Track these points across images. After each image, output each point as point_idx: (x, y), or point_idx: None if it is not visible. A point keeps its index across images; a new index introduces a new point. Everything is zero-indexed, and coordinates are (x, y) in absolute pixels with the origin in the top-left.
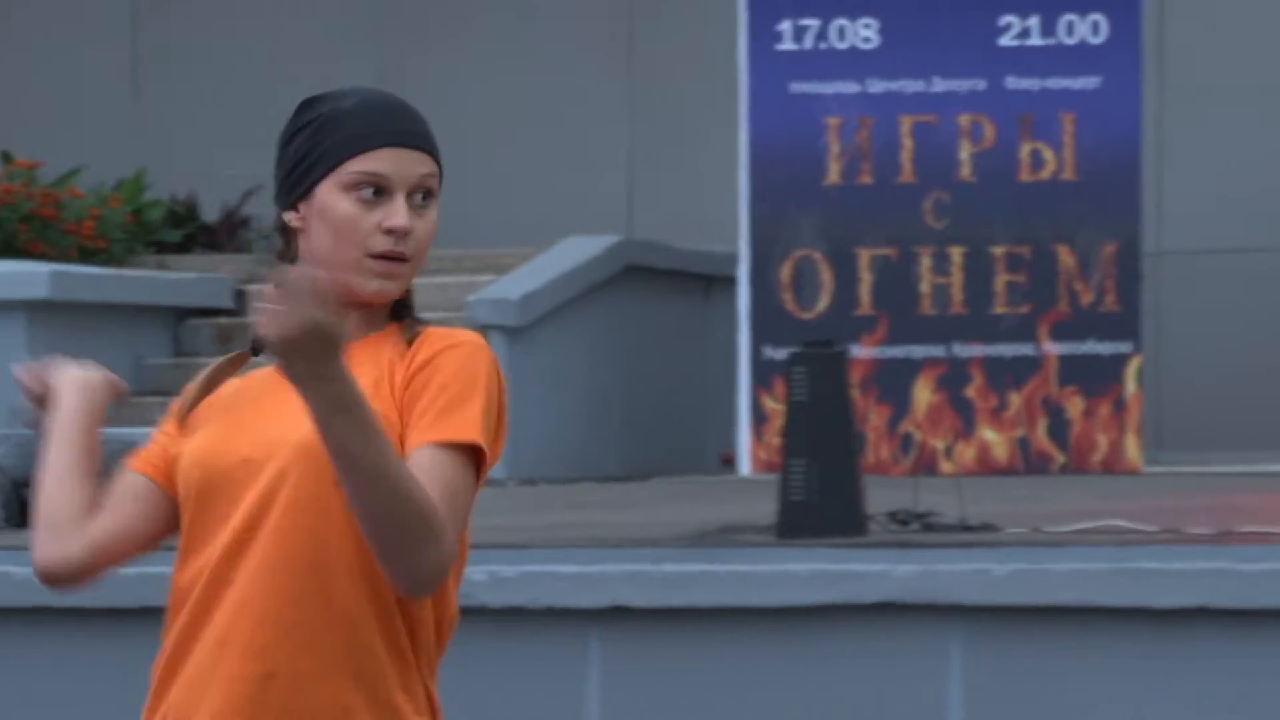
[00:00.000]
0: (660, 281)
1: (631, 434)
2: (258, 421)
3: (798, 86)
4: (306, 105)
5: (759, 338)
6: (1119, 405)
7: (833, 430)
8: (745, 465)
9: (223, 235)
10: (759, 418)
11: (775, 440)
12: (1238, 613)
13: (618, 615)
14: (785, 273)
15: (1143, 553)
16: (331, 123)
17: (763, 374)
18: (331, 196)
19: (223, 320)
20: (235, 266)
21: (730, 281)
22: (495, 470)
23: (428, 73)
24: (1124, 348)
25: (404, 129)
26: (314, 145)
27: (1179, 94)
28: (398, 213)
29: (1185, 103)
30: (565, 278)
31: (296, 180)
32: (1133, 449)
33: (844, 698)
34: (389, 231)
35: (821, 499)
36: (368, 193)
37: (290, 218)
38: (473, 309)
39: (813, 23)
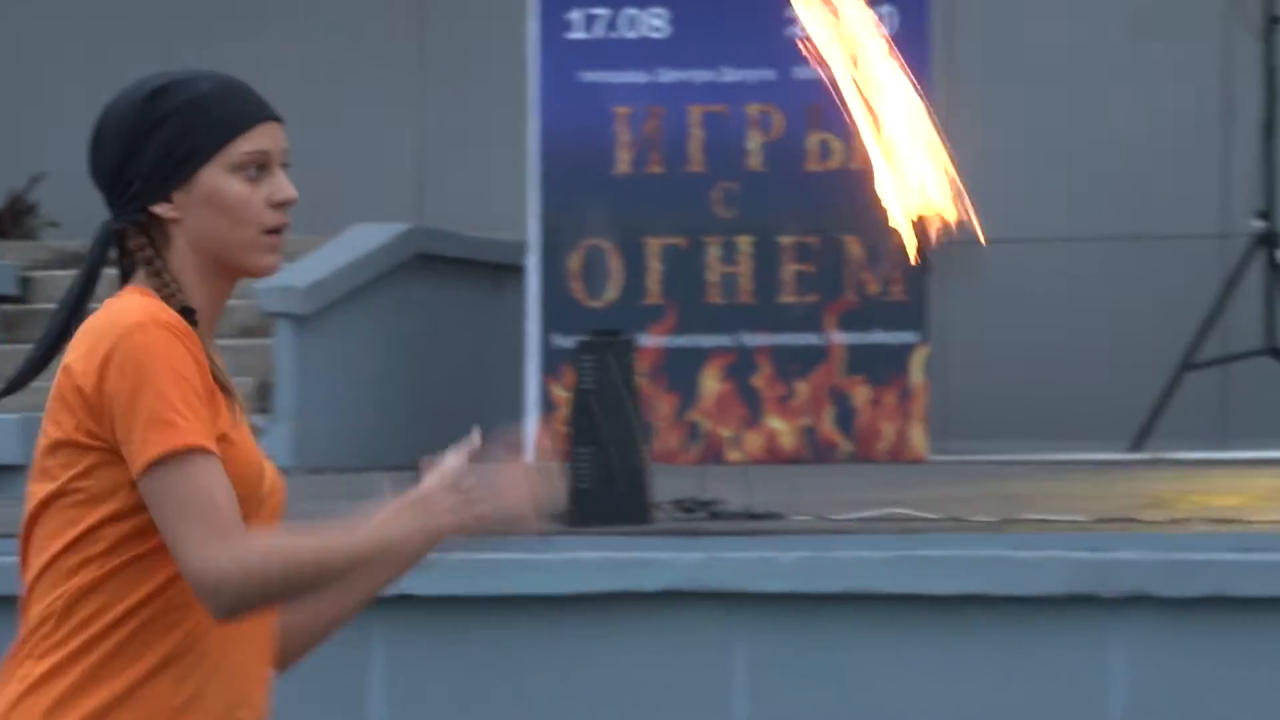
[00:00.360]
0: (450, 270)
1: (420, 422)
2: (251, 440)
3: (587, 76)
4: (156, 96)
5: (548, 326)
6: (905, 395)
7: (620, 419)
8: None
9: (8, 222)
10: (547, 406)
11: (563, 428)
12: (1017, 600)
13: (402, 603)
14: (574, 262)
15: (926, 540)
16: (199, 108)
17: (551, 363)
18: (219, 179)
19: (7, 308)
20: (20, 253)
21: (520, 270)
22: (282, 459)
23: (216, 59)
24: (910, 337)
25: (266, 103)
26: (187, 132)
27: (968, 86)
28: (285, 185)
29: (974, 95)
30: (354, 265)
31: (170, 170)
32: (918, 438)
33: (630, 684)
34: (279, 205)
35: (608, 487)
36: (253, 171)
37: (163, 209)
38: (260, 296)
39: (603, 12)
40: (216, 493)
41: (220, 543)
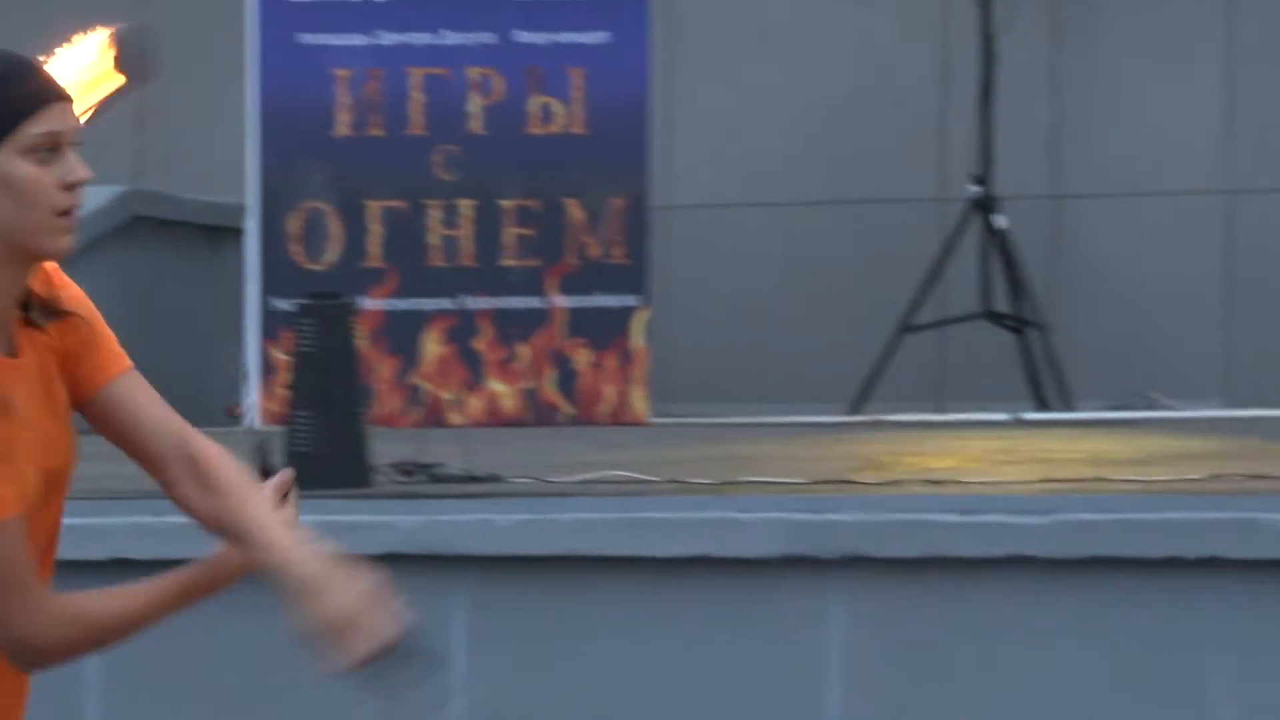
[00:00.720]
0: (169, 233)
1: None
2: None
3: (307, 38)
4: None
5: (267, 289)
6: (626, 358)
7: (340, 382)
8: (253, 417)
9: None
10: (267, 369)
11: (283, 392)
12: (737, 561)
13: (121, 568)
14: (294, 225)
15: (646, 503)
16: None
17: (270, 326)
18: (9, 163)
19: None
20: None
21: (239, 233)
22: None
23: None
24: (631, 301)
25: (56, 82)
26: None
27: (688, 51)
28: (78, 166)
29: (695, 58)
30: None
31: None
32: (639, 401)
33: None
34: (71, 186)
35: (328, 451)
36: (44, 153)
37: None
38: None
39: None
40: (25, 557)
41: (42, 609)
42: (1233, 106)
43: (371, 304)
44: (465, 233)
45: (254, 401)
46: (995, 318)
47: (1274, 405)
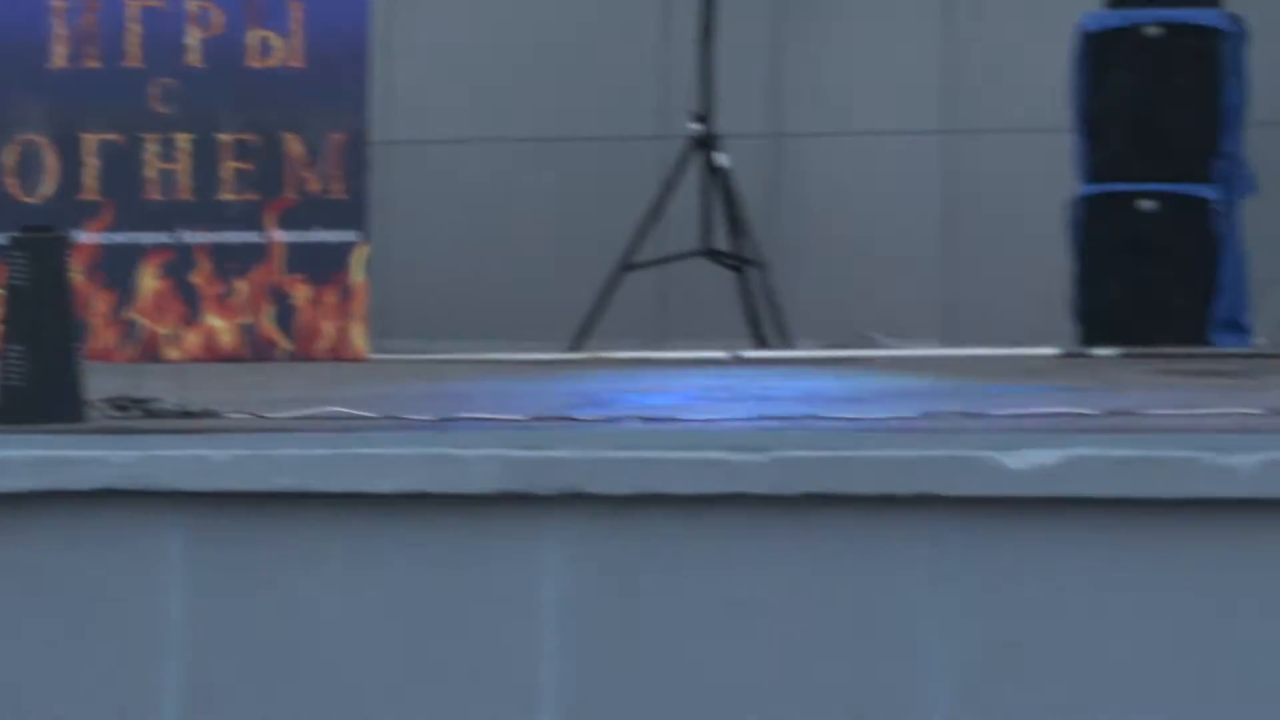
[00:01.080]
0: None
1: None
2: None
3: None
4: None
5: None
6: (345, 293)
7: (53, 316)
8: None
9: None
10: None
11: None
12: (455, 497)
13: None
14: (9, 157)
15: (363, 439)
16: None
17: None
18: None
19: None
20: None
21: None
22: None
23: None
24: (351, 236)
25: None
26: None
27: None
28: None
29: None
30: None
31: None
32: (359, 337)
33: (62, 585)
34: None
35: (40, 385)
36: None
37: None
38: None
39: None
40: None
41: None
42: (952, 47)
43: (87, 238)
44: (183, 166)
45: None
46: (715, 256)
47: (990, 344)
